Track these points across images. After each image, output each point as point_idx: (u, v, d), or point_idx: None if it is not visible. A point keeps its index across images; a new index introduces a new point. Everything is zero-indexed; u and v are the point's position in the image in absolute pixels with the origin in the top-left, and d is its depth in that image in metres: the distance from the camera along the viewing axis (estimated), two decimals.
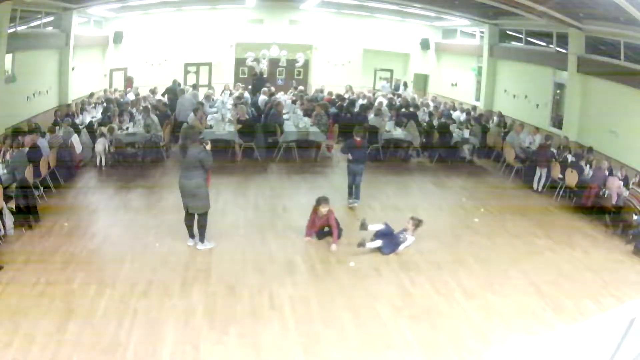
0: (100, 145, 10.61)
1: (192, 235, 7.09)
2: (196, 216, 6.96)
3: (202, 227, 6.96)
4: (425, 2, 15.27)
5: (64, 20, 13.52)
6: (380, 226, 7.32)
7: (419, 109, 15.31)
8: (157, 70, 17.85)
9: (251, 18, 18.93)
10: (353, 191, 9.30)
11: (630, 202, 8.17)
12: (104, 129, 11.01)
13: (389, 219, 8.51)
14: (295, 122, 12.44)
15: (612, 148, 10.95)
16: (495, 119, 14.40)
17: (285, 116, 12.90)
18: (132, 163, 11.03)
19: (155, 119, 11.65)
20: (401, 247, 7.27)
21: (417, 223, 7.49)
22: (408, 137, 12.47)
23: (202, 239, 7.03)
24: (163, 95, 14.79)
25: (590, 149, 10.99)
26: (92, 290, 5.79)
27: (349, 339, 5.16)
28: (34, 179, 8.26)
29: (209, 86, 17.32)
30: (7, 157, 8.50)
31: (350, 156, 8.99)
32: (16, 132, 10.47)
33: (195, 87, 15.89)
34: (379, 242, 7.14)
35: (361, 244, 7.02)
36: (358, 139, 9.03)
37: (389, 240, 7.19)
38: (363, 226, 7.35)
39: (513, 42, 15.72)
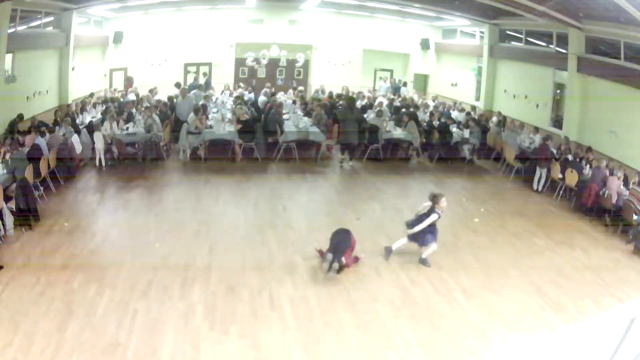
0: (100, 143, 10.59)
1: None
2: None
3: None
4: (425, 2, 15.26)
5: (64, 20, 13.51)
6: (402, 241, 7.02)
7: (419, 109, 15.32)
8: (157, 70, 17.86)
9: (251, 18, 18.92)
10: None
11: (631, 202, 8.17)
12: (104, 127, 11.01)
13: (389, 219, 8.55)
14: (295, 122, 12.44)
15: (612, 148, 10.94)
16: (495, 118, 14.40)
17: (285, 116, 12.89)
18: (132, 163, 11.03)
19: (157, 118, 11.65)
20: (426, 224, 6.69)
21: (433, 198, 6.76)
22: (408, 137, 12.47)
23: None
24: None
25: (589, 149, 10.99)
26: (92, 290, 5.79)
27: (349, 339, 5.17)
28: (34, 179, 8.25)
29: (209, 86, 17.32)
30: (7, 157, 8.49)
31: None
32: (17, 122, 10.56)
33: (200, 87, 15.88)
34: (403, 240, 6.94)
35: (388, 251, 6.92)
36: None
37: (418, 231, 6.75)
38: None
39: (513, 42, 15.71)
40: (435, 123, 13.22)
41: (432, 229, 6.79)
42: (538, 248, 7.78)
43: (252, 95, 15.61)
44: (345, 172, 11.47)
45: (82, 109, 13.19)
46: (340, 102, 14.54)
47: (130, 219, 8.25)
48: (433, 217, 6.68)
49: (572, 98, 12.54)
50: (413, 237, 6.86)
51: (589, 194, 9.05)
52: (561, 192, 10.13)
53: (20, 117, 10.97)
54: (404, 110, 14.13)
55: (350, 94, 15.98)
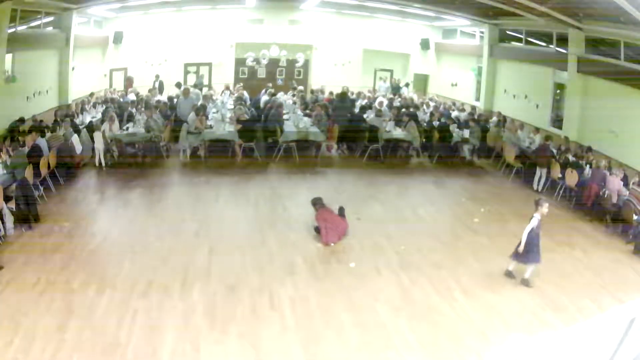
0: (99, 143, 10.59)
1: None
2: None
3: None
4: (425, 2, 15.27)
5: (64, 20, 13.52)
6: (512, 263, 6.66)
7: (419, 109, 15.31)
8: (157, 70, 17.85)
9: (251, 18, 18.94)
10: None
11: (630, 202, 8.17)
12: (103, 127, 11.01)
13: (388, 219, 8.53)
14: (295, 122, 12.44)
15: (612, 148, 10.95)
16: (495, 118, 14.40)
17: (285, 116, 12.89)
18: (132, 163, 11.02)
19: (157, 119, 11.65)
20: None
21: (535, 202, 6.65)
22: (408, 137, 12.47)
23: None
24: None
25: (589, 149, 10.99)
26: (92, 290, 5.79)
27: (349, 339, 5.16)
28: (34, 179, 8.25)
29: (209, 86, 17.33)
30: (7, 157, 8.49)
31: None
32: (18, 124, 10.56)
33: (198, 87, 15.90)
34: (513, 263, 6.60)
35: (509, 274, 6.63)
36: None
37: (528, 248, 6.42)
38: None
39: (513, 42, 15.73)
40: (435, 123, 13.22)
41: (532, 245, 6.42)
42: None
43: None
44: (346, 173, 11.46)
45: (82, 109, 13.20)
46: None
47: (130, 219, 8.25)
48: (532, 223, 6.45)
49: (572, 98, 12.54)
50: (517, 255, 6.51)
51: (589, 194, 9.05)
52: (561, 192, 10.13)
53: (21, 120, 10.95)
54: (404, 110, 14.13)
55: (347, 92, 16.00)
